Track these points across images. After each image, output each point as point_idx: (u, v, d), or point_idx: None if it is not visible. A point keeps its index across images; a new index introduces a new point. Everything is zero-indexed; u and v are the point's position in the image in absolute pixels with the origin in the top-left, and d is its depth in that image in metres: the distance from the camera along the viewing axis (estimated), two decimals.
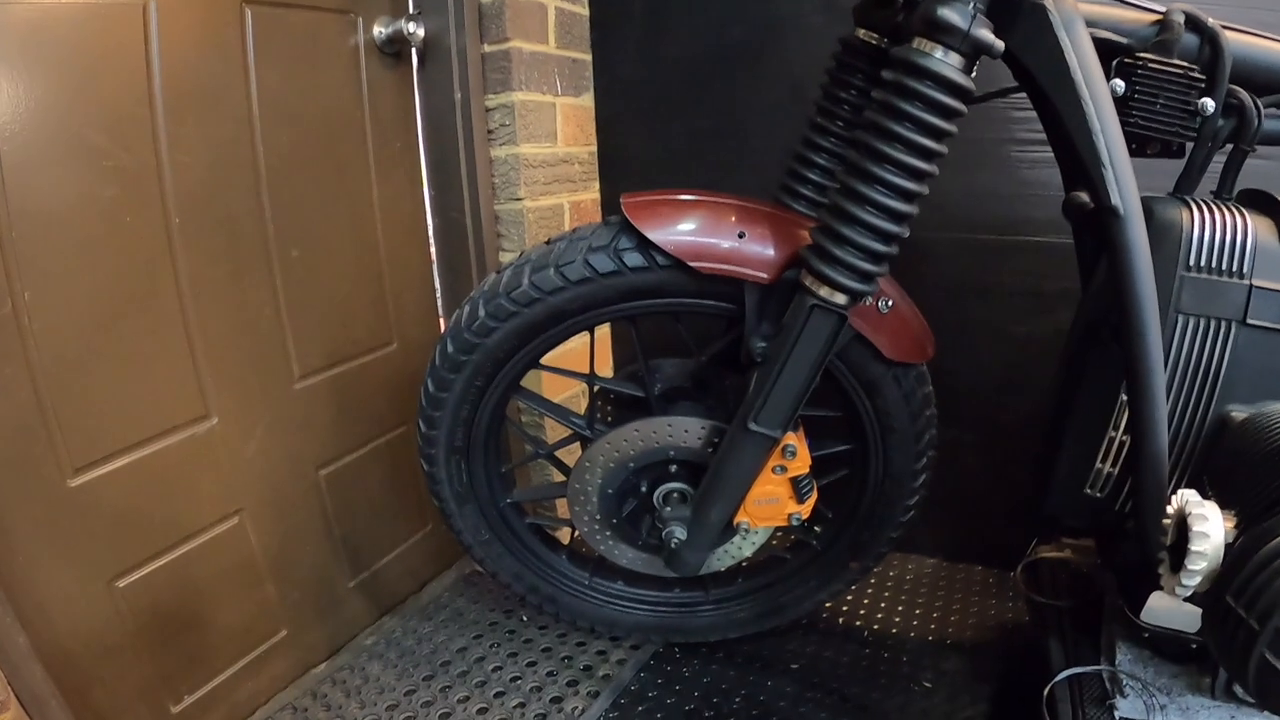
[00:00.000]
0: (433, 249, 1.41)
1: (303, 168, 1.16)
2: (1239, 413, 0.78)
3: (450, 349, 0.99)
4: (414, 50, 1.32)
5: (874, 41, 0.93)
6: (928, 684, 1.12)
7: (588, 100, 1.47)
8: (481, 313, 0.96)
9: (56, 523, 0.92)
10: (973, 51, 0.73)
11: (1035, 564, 1.10)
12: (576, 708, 1.12)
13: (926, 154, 0.77)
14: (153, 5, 0.96)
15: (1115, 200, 0.73)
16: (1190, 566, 0.65)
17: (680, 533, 1.03)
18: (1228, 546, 0.65)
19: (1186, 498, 0.68)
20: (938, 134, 0.76)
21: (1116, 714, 0.87)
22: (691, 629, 1.23)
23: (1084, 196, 0.87)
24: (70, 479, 0.93)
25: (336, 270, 1.23)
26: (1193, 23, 0.79)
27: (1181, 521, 0.68)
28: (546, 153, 1.38)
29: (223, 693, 1.11)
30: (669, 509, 1.05)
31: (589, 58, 1.45)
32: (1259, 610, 0.58)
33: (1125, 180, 0.73)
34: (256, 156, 1.11)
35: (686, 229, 0.90)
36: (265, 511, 1.15)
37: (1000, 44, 0.73)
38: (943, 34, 0.72)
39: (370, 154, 1.28)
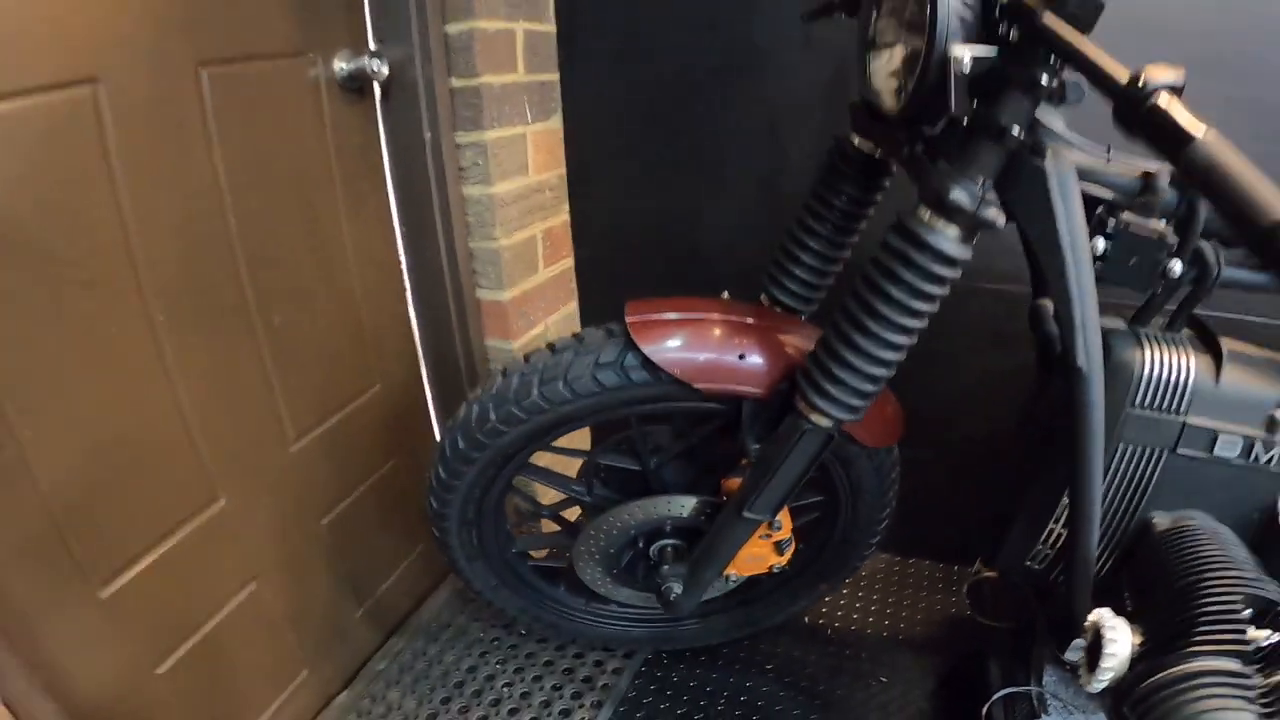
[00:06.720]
0: (406, 283, 1.41)
1: (275, 226, 1.14)
2: (1161, 520, 0.93)
3: (461, 445, 1.05)
4: (376, 84, 1.26)
5: (867, 150, 0.96)
6: (884, 679, 1.31)
7: (556, 122, 1.44)
8: (492, 417, 1.01)
9: (95, 633, 0.96)
10: (975, 227, 0.78)
11: (979, 584, 1.27)
12: (584, 719, 1.27)
13: (919, 314, 0.83)
14: (102, 91, 0.89)
15: (1082, 362, 0.82)
16: (1098, 677, 0.81)
17: (678, 587, 1.15)
18: (1133, 660, 0.81)
19: (1103, 616, 0.83)
20: (932, 297, 0.82)
21: None
22: (678, 638, 1.38)
23: (1048, 305, 0.96)
24: (99, 591, 0.97)
25: (318, 326, 1.23)
26: (1177, 184, 0.85)
27: (1098, 633, 0.84)
28: (519, 186, 1.36)
29: None
30: (667, 566, 1.16)
31: (556, 77, 1.41)
32: None
33: (1093, 344, 0.82)
34: (228, 227, 1.07)
35: (690, 351, 0.96)
36: (278, 571, 1.21)
37: (1003, 220, 0.78)
38: (950, 213, 0.77)
39: (339, 196, 1.24)
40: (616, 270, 1.58)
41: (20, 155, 0.81)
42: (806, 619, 1.45)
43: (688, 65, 1.35)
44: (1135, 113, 0.57)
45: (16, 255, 0.82)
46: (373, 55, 1.21)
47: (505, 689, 1.32)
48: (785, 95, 1.31)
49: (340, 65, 1.20)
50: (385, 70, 1.22)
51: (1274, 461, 0.91)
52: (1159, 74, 0.56)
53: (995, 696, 1.12)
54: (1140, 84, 0.56)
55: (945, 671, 1.32)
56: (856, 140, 0.97)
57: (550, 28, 1.37)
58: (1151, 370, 0.88)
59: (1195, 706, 0.74)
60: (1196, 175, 0.55)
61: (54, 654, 0.91)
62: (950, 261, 0.79)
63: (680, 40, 1.34)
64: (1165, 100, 0.55)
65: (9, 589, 0.86)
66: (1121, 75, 0.58)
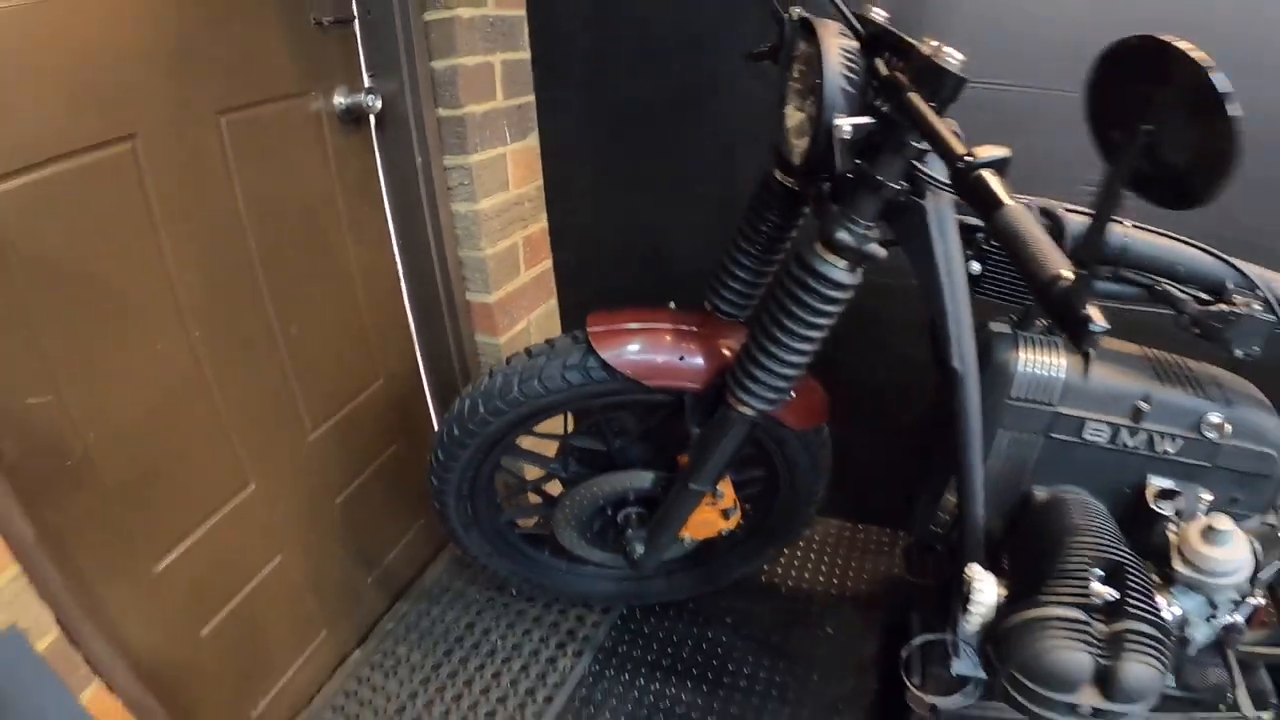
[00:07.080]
0: (404, 289, 1.58)
1: (289, 248, 1.31)
2: (1040, 494, 1.10)
3: (456, 433, 1.24)
4: (371, 115, 1.42)
5: (788, 185, 1.12)
6: (830, 630, 1.50)
7: (533, 139, 1.59)
8: (481, 410, 1.21)
9: (152, 600, 1.15)
10: (860, 260, 0.95)
11: (910, 547, 1.45)
12: (567, 665, 1.47)
13: (819, 326, 1.00)
14: (139, 144, 1.05)
15: (957, 364, 0.99)
16: (967, 621, 1.00)
17: (640, 547, 1.34)
18: (1000, 609, 0.98)
19: (974, 570, 1.01)
20: (828, 314, 0.99)
21: (953, 670, 1.25)
22: (646, 594, 1.58)
23: None
24: (153, 566, 1.16)
25: (329, 331, 1.41)
26: (1044, 211, 1.01)
27: (970, 584, 1.02)
28: (501, 201, 1.53)
29: (287, 690, 1.41)
30: (631, 530, 1.35)
31: (533, 99, 1.56)
32: (1000, 658, 0.95)
33: (968, 348, 0.98)
34: (250, 251, 1.24)
35: (640, 355, 1.15)
36: (300, 547, 1.41)
37: (884, 253, 0.94)
38: (838, 250, 0.93)
39: (343, 216, 1.41)
40: (591, 269, 1.75)
41: (78, 204, 0.98)
42: (764, 579, 1.64)
43: (653, 87, 1.50)
44: (964, 180, 0.72)
45: (78, 289, 1.00)
46: (367, 91, 1.37)
47: (499, 641, 1.52)
48: (739, 118, 1.46)
49: (339, 100, 1.36)
50: (379, 104, 1.39)
51: (1140, 446, 1.07)
52: (986, 152, 0.71)
53: (913, 643, 1.30)
54: (970, 159, 0.71)
55: (884, 624, 1.51)
56: (779, 175, 1.12)
57: (526, 54, 1.52)
58: (1027, 369, 1.04)
59: (1039, 645, 0.92)
60: (1001, 235, 0.71)
61: (119, 620, 1.10)
62: (841, 286, 0.96)
63: (645, 64, 1.49)
64: (987, 174, 0.71)
65: (84, 568, 1.04)
66: (959, 150, 0.73)
